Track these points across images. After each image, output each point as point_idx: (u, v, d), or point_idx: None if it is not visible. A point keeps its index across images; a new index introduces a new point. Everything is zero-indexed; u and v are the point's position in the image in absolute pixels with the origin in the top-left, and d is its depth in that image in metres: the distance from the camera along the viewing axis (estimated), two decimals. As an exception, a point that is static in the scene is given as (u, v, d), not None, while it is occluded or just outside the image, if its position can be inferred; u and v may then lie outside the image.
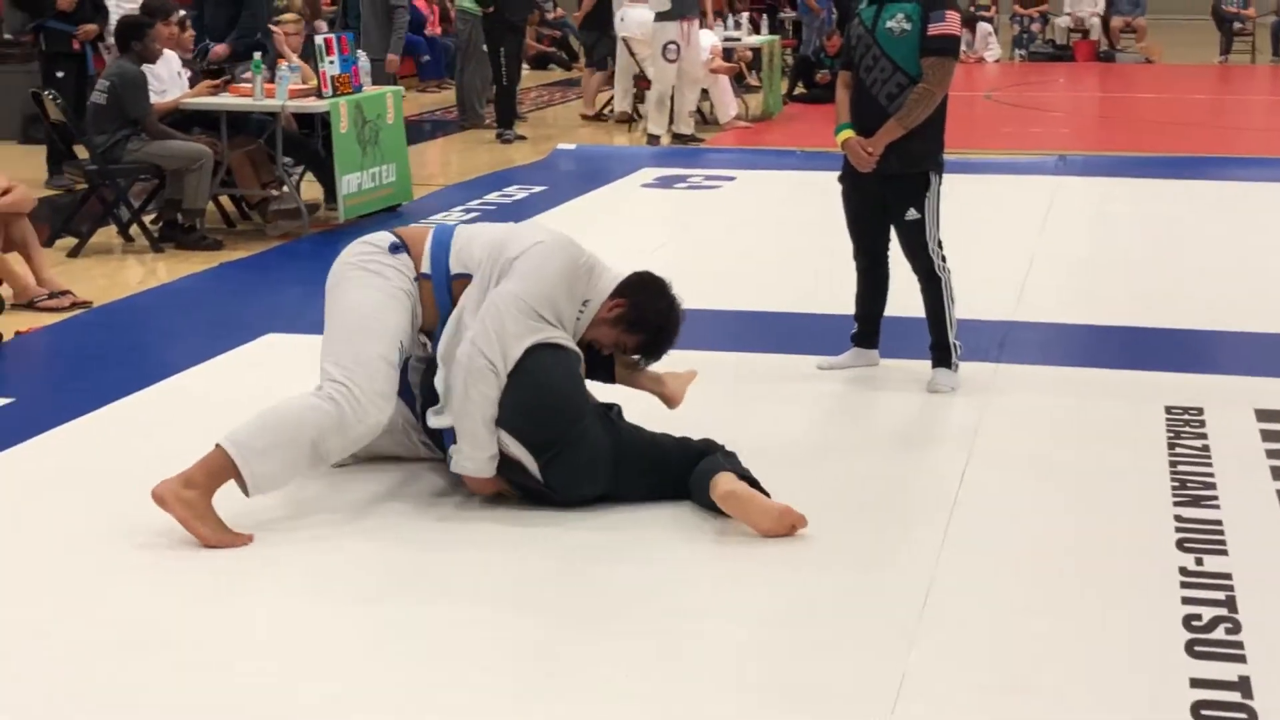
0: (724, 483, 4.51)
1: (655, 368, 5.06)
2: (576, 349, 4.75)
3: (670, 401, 5.09)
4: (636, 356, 4.96)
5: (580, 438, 4.60)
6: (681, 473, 4.65)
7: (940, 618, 3.98)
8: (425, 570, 4.32)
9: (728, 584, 4.20)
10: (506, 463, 4.65)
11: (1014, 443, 5.39)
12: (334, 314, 4.69)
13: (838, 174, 6.10)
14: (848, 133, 5.91)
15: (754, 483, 4.57)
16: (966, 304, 6.15)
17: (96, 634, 3.86)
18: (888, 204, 5.94)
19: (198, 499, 4.38)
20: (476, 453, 4.61)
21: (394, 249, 4.75)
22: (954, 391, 5.91)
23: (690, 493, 4.65)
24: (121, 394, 5.89)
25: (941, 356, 5.98)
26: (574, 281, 4.74)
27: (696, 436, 4.81)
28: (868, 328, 6.20)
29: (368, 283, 4.69)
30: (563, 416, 4.60)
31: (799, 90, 16.77)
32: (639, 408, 4.97)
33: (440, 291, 4.75)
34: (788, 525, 4.44)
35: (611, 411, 4.81)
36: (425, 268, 4.75)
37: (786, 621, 3.97)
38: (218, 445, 4.44)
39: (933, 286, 5.95)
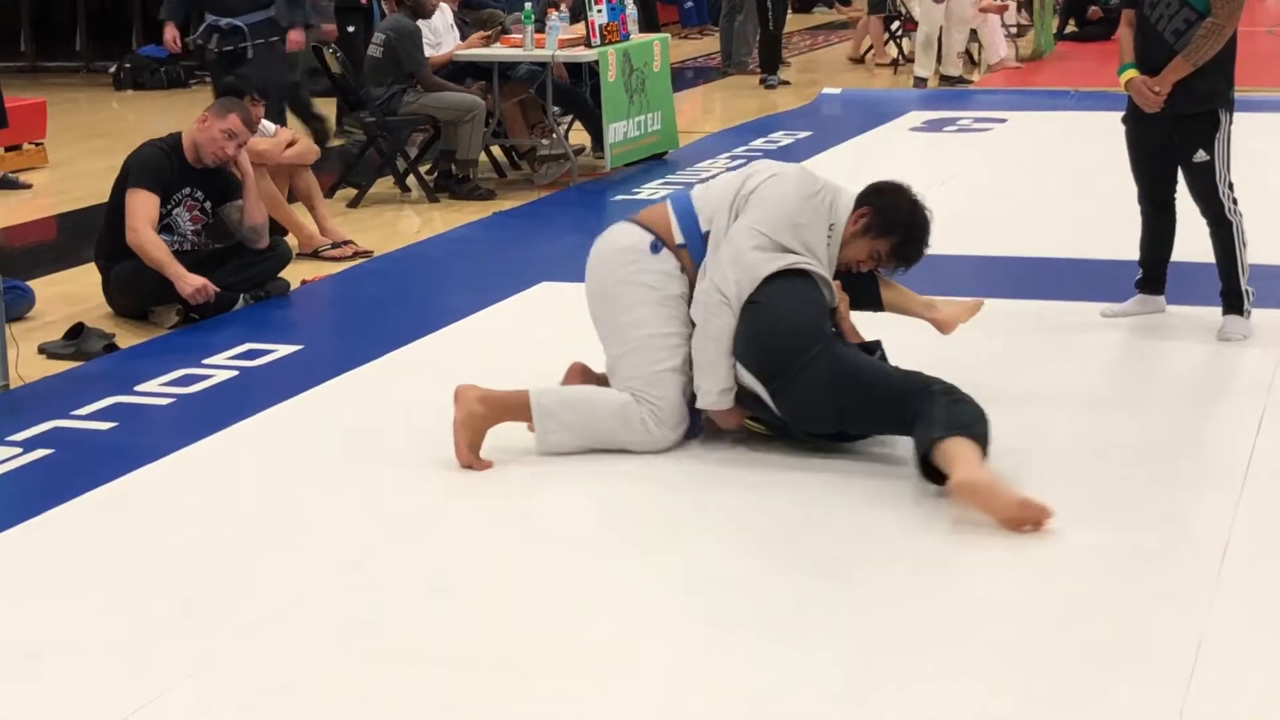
0: (960, 467, 4.16)
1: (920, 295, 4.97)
2: (823, 273, 4.69)
3: (943, 327, 4.99)
4: (895, 265, 4.84)
5: (807, 367, 4.52)
6: (911, 410, 4.40)
7: (1239, 578, 3.83)
8: (665, 511, 4.36)
9: (1010, 540, 4.08)
10: (744, 395, 4.66)
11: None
12: (620, 330, 4.78)
13: (1121, 115, 5.91)
14: (1131, 72, 5.72)
15: (980, 437, 4.28)
16: (1259, 248, 5.89)
17: (392, 575, 3.97)
18: (1175, 145, 5.73)
19: (481, 417, 4.67)
20: (711, 385, 4.66)
21: (654, 248, 4.80)
22: (1246, 340, 5.68)
23: (917, 434, 4.36)
24: (404, 341, 6.03)
25: (1233, 303, 5.75)
26: (815, 206, 4.71)
27: (972, 389, 4.63)
28: (1154, 273, 6.00)
29: (644, 298, 4.76)
30: (789, 346, 4.55)
31: (1070, 28, 16.28)
32: (903, 343, 4.89)
33: (697, 254, 4.80)
34: (1031, 519, 4.08)
35: (876, 351, 4.71)
36: (679, 239, 4.81)
37: (1078, 580, 3.86)
38: (528, 392, 4.71)
39: (1223, 231, 5.72)
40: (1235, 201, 5.73)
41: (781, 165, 4.93)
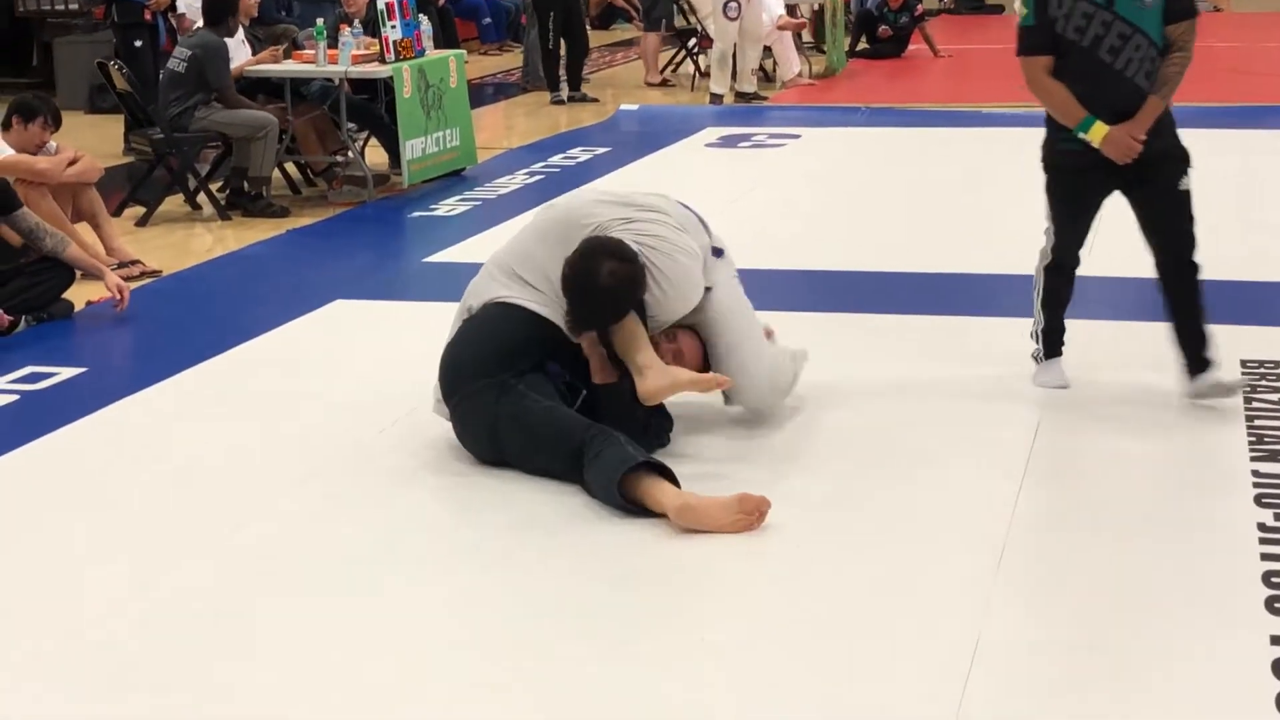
0: (668, 497, 4.22)
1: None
2: (533, 309, 4.72)
3: (639, 394, 4.65)
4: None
5: (469, 398, 4.66)
6: (568, 461, 4.45)
7: (1014, 578, 3.96)
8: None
9: (793, 556, 4.14)
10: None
11: (1087, 399, 5.32)
12: None
13: (1073, 165, 5.25)
14: (1101, 125, 5.10)
15: (657, 467, 4.33)
16: (1032, 262, 5.96)
17: (173, 603, 3.91)
18: (1154, 182, 5.23)
19: None
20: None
21: None
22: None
23: (588, 484, 4.41)
24: (192, 362, 5.92)
25: (1201, 363, 5.21)
26: (559, 246, 4.73)
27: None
28: (1061, 336, 5.50)
29: None
30: (452, 373, 4.73)
31: (861, 46, 16.60)
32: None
33: None
34: (752, 512, 4.18)
35: (580, 396, 4.68)
36: None
37: (862, 585, 3.95)
38: None
39: (1192, 274, 5.23)
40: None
41: (566, 200, 5.03)
